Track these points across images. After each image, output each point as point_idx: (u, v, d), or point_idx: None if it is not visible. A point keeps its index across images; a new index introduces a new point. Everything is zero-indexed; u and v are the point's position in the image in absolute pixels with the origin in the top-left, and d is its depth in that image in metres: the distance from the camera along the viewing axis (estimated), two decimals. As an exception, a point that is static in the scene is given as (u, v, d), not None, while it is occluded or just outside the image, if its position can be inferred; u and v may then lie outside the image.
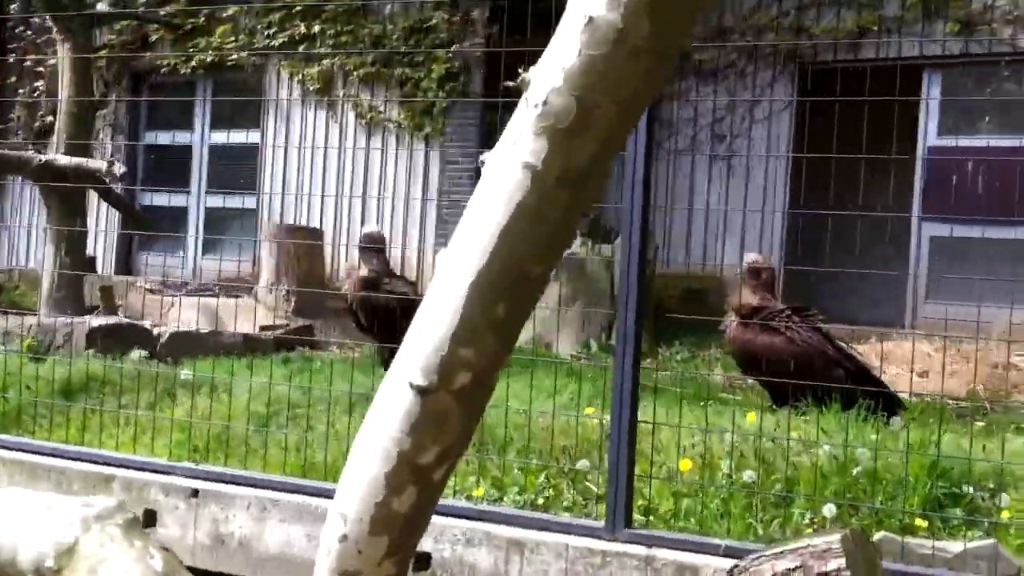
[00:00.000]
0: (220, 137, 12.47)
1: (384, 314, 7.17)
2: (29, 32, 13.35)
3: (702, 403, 5.57)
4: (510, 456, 5.20)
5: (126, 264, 13.04)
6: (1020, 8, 9.55)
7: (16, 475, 5.48)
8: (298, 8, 11.74)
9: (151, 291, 10.01)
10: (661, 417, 4.93)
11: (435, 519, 4.64)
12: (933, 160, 10.08)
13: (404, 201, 11.23)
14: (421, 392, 2.38)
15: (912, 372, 7.67)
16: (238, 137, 12.16)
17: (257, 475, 5.09)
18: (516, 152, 2.22)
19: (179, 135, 12.67)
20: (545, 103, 2.14)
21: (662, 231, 10.29)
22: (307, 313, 9.61)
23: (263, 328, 8.79)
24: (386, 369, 7.24)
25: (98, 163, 8.17)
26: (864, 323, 9.64)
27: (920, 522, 4.38)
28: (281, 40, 12.08)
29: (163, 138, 13.09)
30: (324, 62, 11.69)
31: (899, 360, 8.26)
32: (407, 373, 2.42)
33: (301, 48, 11.84)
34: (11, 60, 13.22)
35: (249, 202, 12.27)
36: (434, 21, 11.34)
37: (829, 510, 4.37)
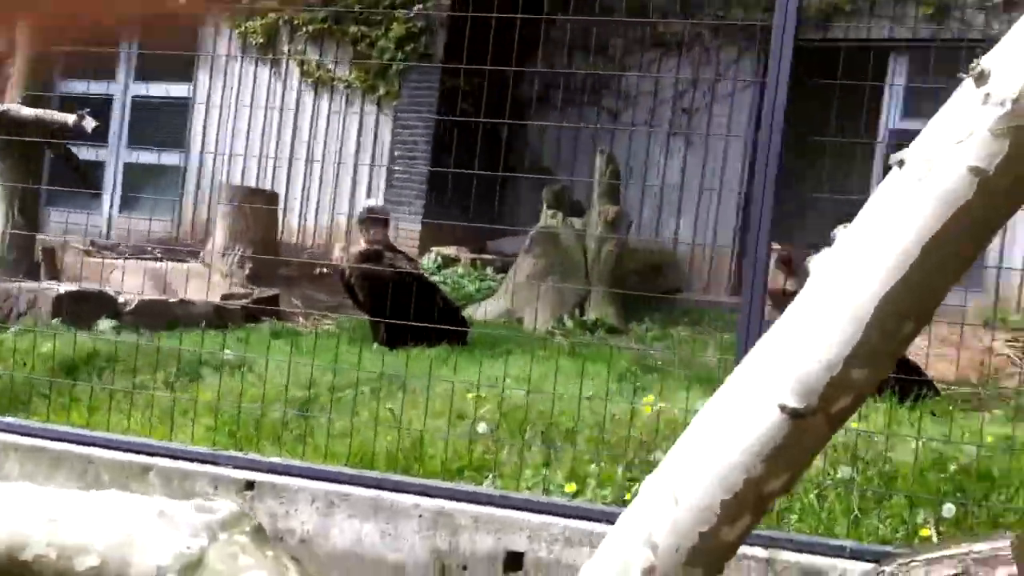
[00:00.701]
0: (152, 90, 11.76)
1: (384, 289, 6.81)
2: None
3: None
4: (578, 447, 4.96)
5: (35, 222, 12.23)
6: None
7: (29, 465, 4.98)
8: (240, -44, 11.15)
9: (88, 253, 9.38)
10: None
11: (528, 517, 4.40)
12: (895, 143, 10.15)
13: (352, 166, 10.80)
14: (794, 415, 2.13)
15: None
16: (174, 91, 11.49)
17: (323, 467, 4.73)
18: (959, 154, 1.96)
19: (98, 86, 11.90)
20: (1016, 101, 1.89)
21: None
22: (262, 280, 9.15)
23: (225, 296, 8.31)
24: (380, 344, 6.94)
25: (65, 116, 7.54)
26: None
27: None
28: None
29: (83, 88, 12.28)
30: (269, 15, 11.11)
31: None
32: (774, 394, 2.16)
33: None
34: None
35: (170, 159, 11.63)
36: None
37: (948, 510, 4.26)
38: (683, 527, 2.29)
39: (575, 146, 11.01)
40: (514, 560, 4.38)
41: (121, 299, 7.57)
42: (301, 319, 8.41)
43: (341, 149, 11.03)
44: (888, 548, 4.06)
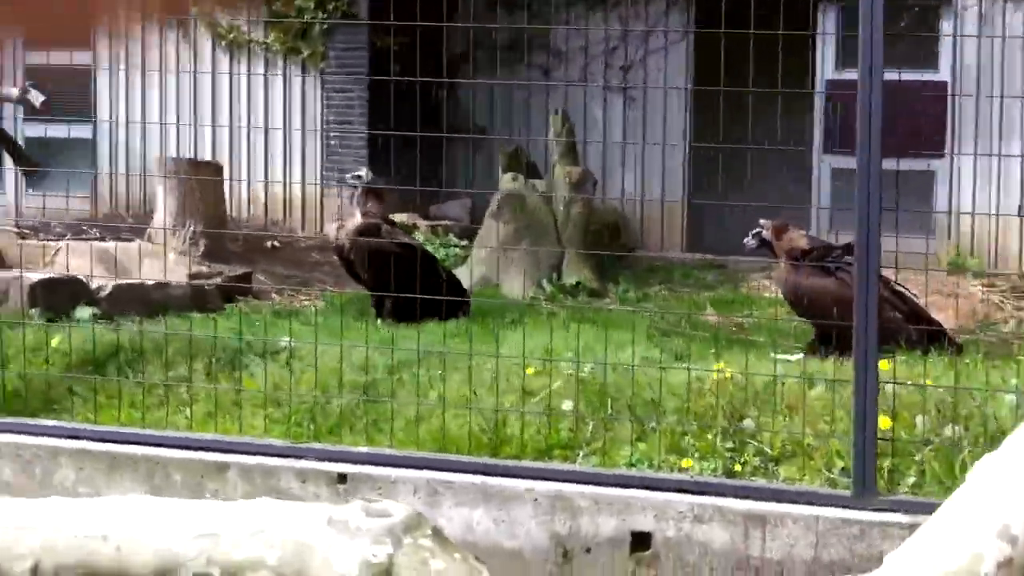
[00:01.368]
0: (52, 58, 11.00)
1: (388, 263, 6.53)
2: None
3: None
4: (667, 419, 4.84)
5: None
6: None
7: (85, 470, 4.59)
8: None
9: (22, 235, 8.78)
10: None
11: (651, 495, 4.28)
12: (830, 93, 10.31)
13: (284, 133, 10.37)
14: None
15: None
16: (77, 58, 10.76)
17: (424, 454, 4.49)
18: None
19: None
20: None
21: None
22: (216, 257, 8.71)
23: (193, 276, 7.86)
24: (388, 319, 6.67)
25: (7, 89, 6.95)
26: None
27: None
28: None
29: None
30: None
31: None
32: None
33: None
34: None
35: (81, 132, 10.95)
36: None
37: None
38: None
39: (510, 105, 10.81)
40: (641, 541, 4.25)
41: (94, 285, 7.08)
42: (275, 296, 8.04)
43: (267, 116, 10.56)
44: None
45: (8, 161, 11.06)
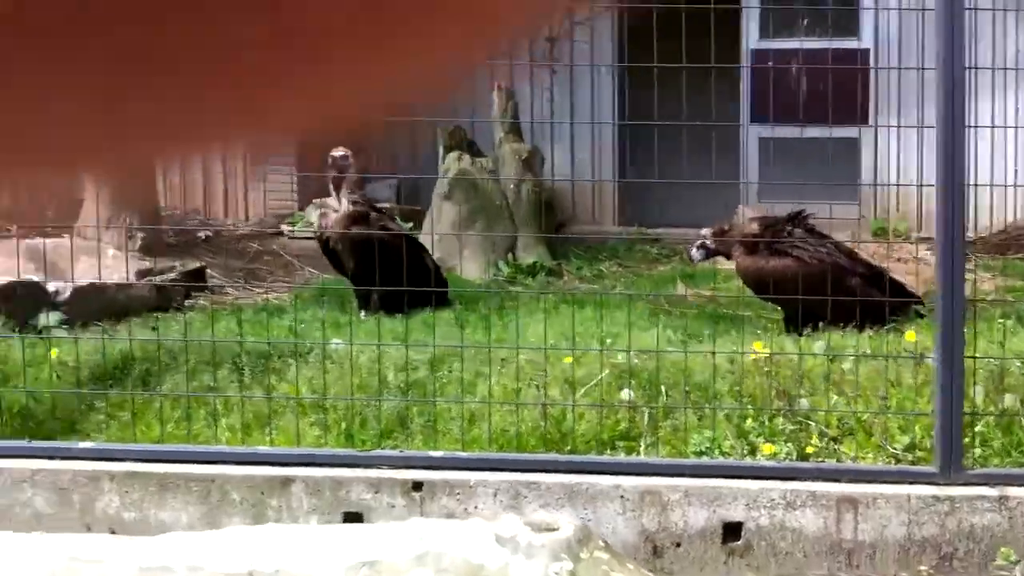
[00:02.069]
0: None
1: (376, 253, 6.29)
2: None
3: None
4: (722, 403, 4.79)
5: None
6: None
7: (131, 492, 4.28)
8: None
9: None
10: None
11: (743, 484, 4.23)
12: (756, 62, 10.40)
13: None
14: None
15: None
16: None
17: (503, 455, 4.33)
18: None
19: None
20: None
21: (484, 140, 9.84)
22: (154, 251, 8.27)
23: (143, 273, 7.45)
24: (366, 310, 6.44)
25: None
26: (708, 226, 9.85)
27: None
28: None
29: None
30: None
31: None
32: None
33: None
34: None
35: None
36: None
37: None
38: None
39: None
40: (732, 531, 4.20)
41: (51, 287, 6.63)
42: (230, 291, 7.69)
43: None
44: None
45: None
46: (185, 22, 0.38)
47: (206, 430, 4.60)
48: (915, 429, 4.60)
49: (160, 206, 8.91)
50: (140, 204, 8.29)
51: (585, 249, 9.31)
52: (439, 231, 8.39)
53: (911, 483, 4.20)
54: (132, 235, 8.19)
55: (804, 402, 4.77)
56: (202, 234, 9.04)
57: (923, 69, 9.62)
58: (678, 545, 4.20)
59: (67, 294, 6.62)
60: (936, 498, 4.15)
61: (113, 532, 4.05)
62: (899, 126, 9.89)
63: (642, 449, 4.58)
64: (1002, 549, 4.07)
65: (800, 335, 5.83)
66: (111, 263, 7.69)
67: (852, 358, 5.08)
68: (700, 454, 4.50)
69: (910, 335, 5.37)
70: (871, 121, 10.12)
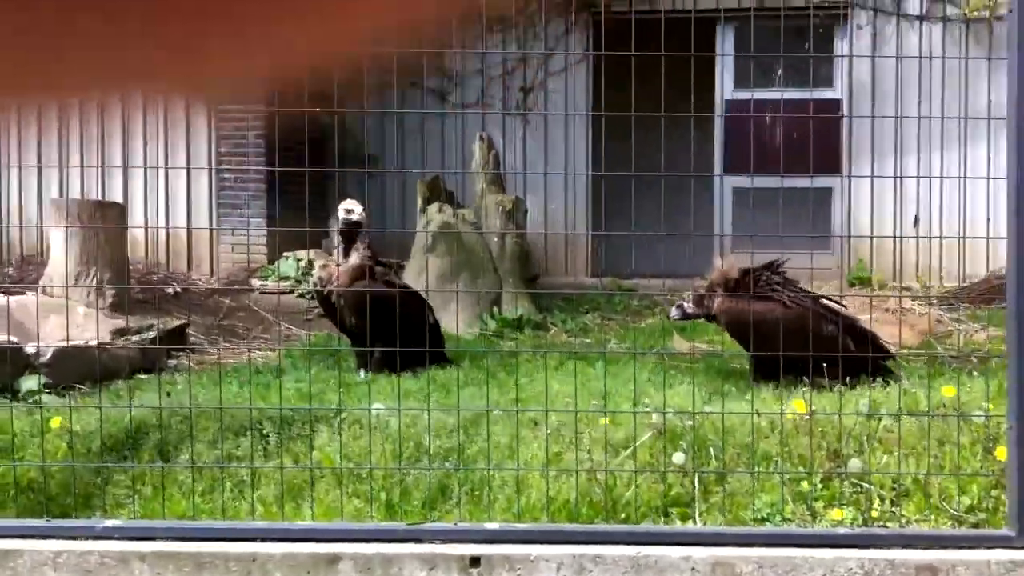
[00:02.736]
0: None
1: (382, 310, 6.02)
2: None
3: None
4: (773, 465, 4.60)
5: None
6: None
7: (167, 572, 3.94)
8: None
9: None
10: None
11: (815, 553, 4.04)
12: (730, 113, 10.36)
13: (163, 170, 9.57)
14: None
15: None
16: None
17: (563, 527, 4.08)
18: None
19: None
20: None
21: (461, 191, 9.66)
22: (123, 308, 7.89)
23: (118, 332, 7.06)
24: (366, 369, 6.16)
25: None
26: (682, 275, 9.74)
27: None
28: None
29: None
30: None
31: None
32: None
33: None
34: None
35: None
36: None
37: None
38: None
39: (402, 132, 10.38)
40: (808, 601, 4.00)
41: (30, 349, 6.25)
42: (210, 349, 7.35)
43: (146, 149, 9.74)
44: None
45: None
46: None
47: (237, 503, 4.28)
48: (973, 489, 4.47)
49: (129, 261, 8.53)
50: (110, 259, 7.92)
51: (566, 301, 9.13)
52: (422, 284, 8.14)
53: (988, 548, 4.03)
54: (102, 292, 7.81)
55: (856, 462, 4.60)
56: (171, 290, 8.68)
57: (900, 117, 9.73)
58: (752, 618, 3.98)
59: (47, 356, 6.24)
60: (1014, 563, 4.00)
61: (148, 619, 3.73)
62: (872, 176, 9.93)
63: (697, 515, 4.37)
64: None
65: (762, 382, 5.77)
66: (82, 321, 7.32)
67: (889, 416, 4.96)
68: (762, 520, 4.30)
69: (948, 390, 5.26)
70: (844, 170, 10.13)
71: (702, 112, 9.96)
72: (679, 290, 9.28)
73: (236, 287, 8.77)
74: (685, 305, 6.66)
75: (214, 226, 9.51)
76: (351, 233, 6.21)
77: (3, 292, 7.82)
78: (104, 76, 0.49)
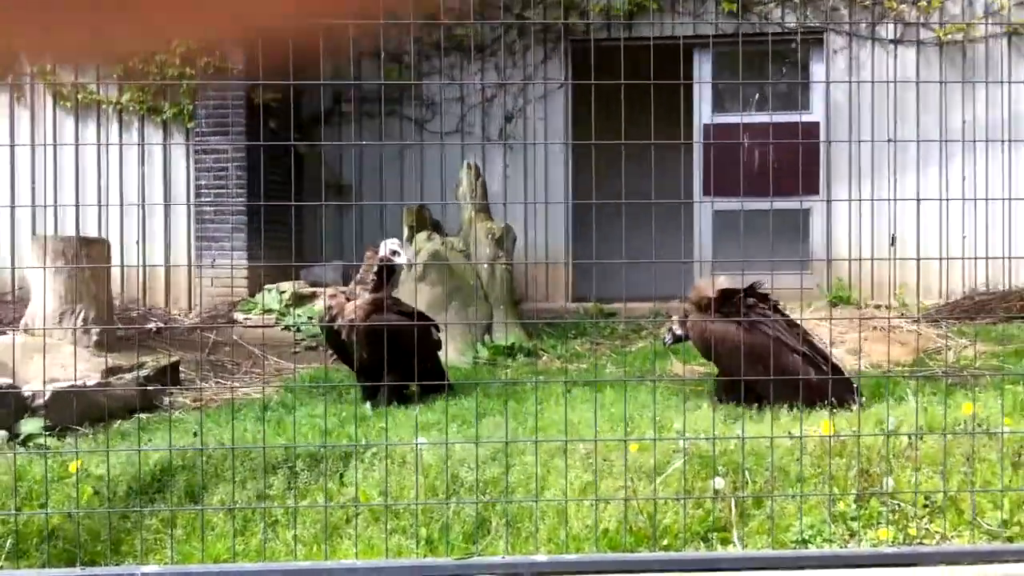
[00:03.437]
0: None
1: (396, 341, 5.94)
2: None
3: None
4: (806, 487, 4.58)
5: None
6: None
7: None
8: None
9: None
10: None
11: (865, 573, 4.01)
12: (709, 138, 10.41)
13: (140, 202, 9.42)
14: None
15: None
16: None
17: (616, 556, 4.03)
18: None
19: None
20: None
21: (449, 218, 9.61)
22: (112, 347, 7.74)
23: (110, 371, 6.92)
24: (373, 402, 6.06)
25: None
26: (665, 298, 9.75)
27: None
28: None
29: None
30: None
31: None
32: None
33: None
34: None
35: None
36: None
37: None
38: None
39: (380, 161, 10.33)
40: (861, 624, 3.97)
41: (26, 392, 6.09)
42: (202, 384, 7.21)
43: (122, 185, 9.59)
44: None
45: None
46: None
47: (273, 544, 4.18)
48: (1005, 504, 4.48)
49: (114, 298, 8.38)
50: (94, 297, 7.76)
51: (552, 327, 9.09)
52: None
53: (1033, 563, 4.04)
54: (87, 330, 7.65)
55: (890, 481, 4.60)
56: (152, 326, 8.52)
57: (876, 142, 9.84)
58: (807, 643, 3.95)
59: (46, 398, 6.08)
60: (1063, 578, 4.00)
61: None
62: (850, 200, 10.02)
63: (737, 540, 4.34)
64: None
65: (729, 403, 5.81)
66: (68, 361, 7.16)
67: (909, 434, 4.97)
68: (804, 543, 4.28)
69: (968, 407, 5.29)
70: (822, 193, 10.21)
71: (682, 138, 10.02)
72: (663, 312, 9.32)
73: (220, 321, 8.62)
74: (675, 328, 6.67)
75: (194, 261, 9.36)
76: (390, 273, 6.16)
77: (-12, 333, 7.64)
78: None
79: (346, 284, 10.11)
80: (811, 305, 9.46)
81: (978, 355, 7.88)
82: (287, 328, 8.51)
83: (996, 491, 4.46)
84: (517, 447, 4.79)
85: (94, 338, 7.69)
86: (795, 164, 10.07)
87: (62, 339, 7.70)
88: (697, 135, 10.34)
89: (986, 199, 9.30)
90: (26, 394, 6.10)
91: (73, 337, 7.67)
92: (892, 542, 4.27)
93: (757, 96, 10.34)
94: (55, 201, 8.99)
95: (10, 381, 6.07)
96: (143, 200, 9.28)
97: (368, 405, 6.23)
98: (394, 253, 6.11)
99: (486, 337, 8.26)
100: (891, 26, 10.21)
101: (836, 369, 6.13)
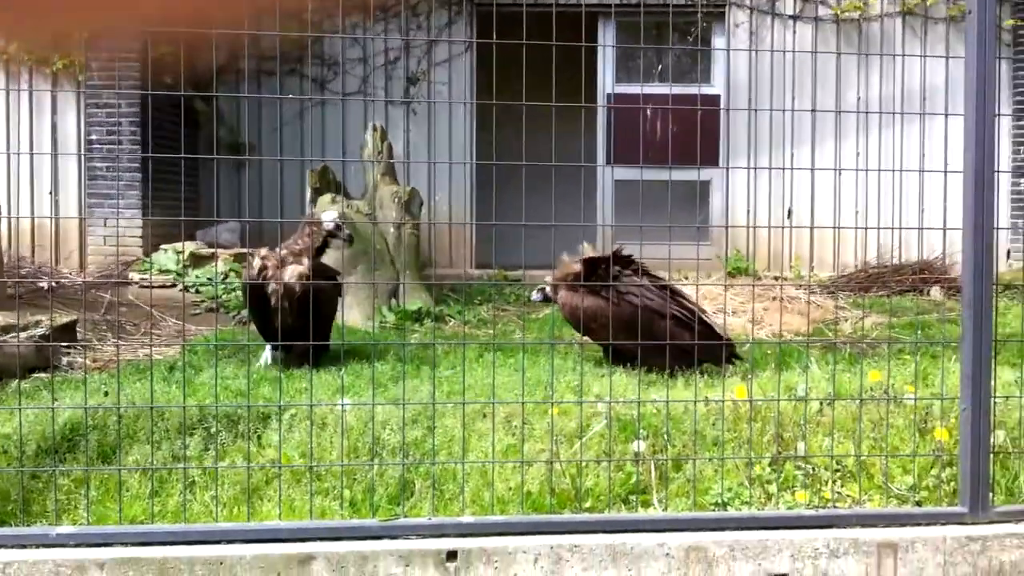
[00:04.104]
0: None
1: (317, 305, 5.83)
2: None
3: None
4: (725, 452, 4.65)
5: None
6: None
7: (125, 580, 3.74)
8: None
9: None
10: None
11: (784, 535, 4.11)
12: (612, 107, 10.45)
13: (29, 156, 9.09)
14: None
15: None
16: None
17: (541, 517, 4.03)
18: None
19: None
20: None
21: (358, 182, 9.50)
22: (3, 305, 7.46)
23: (3, 329, 6.67)
24: (288, 364, 5.96)
25: None
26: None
27: None
28: None
29: None
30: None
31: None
32: None
33: None
34: None
35: None
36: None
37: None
38: None
39: (280, 120, 10.13)
40: (777, 583, 4.06)
41: (-86, 347, 5.83)
42: (98, 344, 7.00)
43: (8, 135, 9.23)
44: None
45: None
46: None
47: (191, 505, 4.09)
48: (913, 468, 4.61)
49: (3, 254, 8.06)
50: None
51: (457, 292, 9.06)
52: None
53: (943, 524, 4.17)
54: (-27, 286, 7.37)
55: (801, 446, 4.70)
56: (44, 284, 8.24)
57: (773, 111, 9.99)
58: (724, 602, 4.02)
59: (-70, 350, 5.83)
60: (969, 538, 4.14)
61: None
62: (748, 168, 10.17)
63: (657, 503, 4.39)
64: (1031, 585, 4.11)
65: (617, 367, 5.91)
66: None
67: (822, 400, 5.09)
68: (723, 505, 4.34)
69: (875, 374, 5.43)
70: (722, 163, 10.35)
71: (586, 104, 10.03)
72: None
73: (116, 280, 8.38)
74: (547, 290, 6.67)
75: (84, 215, 9.07)
76: (325, 245, 6.08)
77: None
78: None
79: (243, 246, 9.95)
80: (710, 276, 9.62)
81: (874, 326, 8.10)
82: (186, 289, 8.30)
83: (907, 456, 4.58)
84: (437, 410, 4.75)
85: (-22, 295, 7.41)
86: (696, 136, 10.18)
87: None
88: (601, 103, 10.38)
89: (878, 170, 9.52)
90: (-86, 350, 5.85)
91: (-39, 294, 7.38)
92: (808, 505, 4.36)
93: (660, 67, 10.42)
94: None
95: (-101, 337, 5.81)
96: (32, 149, 8.95)
97: (263, 362, 6.13)
98: (338, 228, 6.04)
99: (392, 301, 8.18)
100: (791, 1, 10.37)
101: (709, 329, 6.21)
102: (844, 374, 5.79)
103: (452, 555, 3.89)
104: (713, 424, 4.83)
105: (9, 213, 9.02)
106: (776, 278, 9.68)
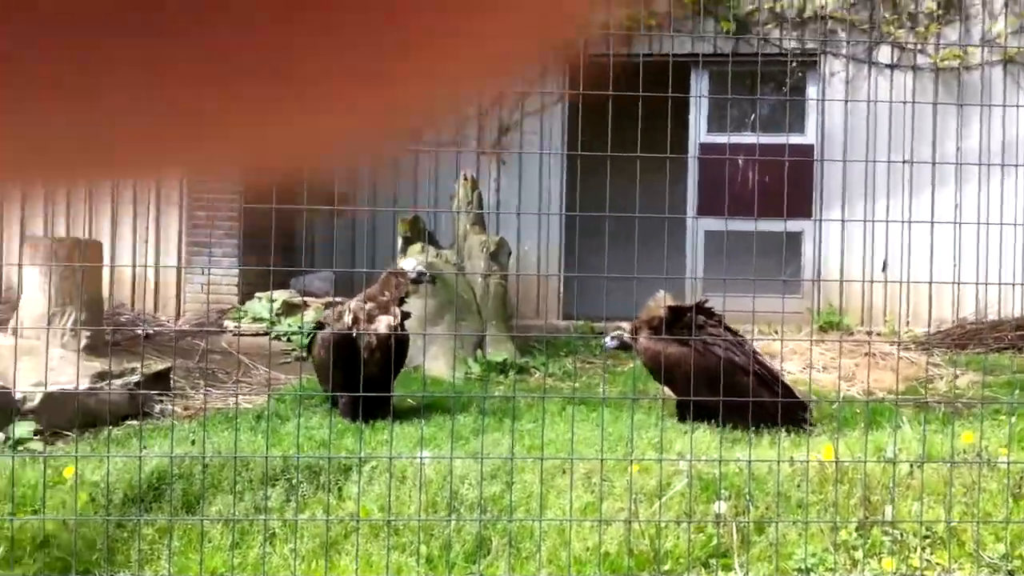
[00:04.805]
0: None
1: (399, 357, 5.90)
2: None
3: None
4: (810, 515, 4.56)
5: None
6: (786, 10, 10.14)
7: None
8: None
9: None
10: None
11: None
12: (704, 157, 10.41)
13: (131, 206, 9.33)
14: None
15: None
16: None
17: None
18: None
19: None
20: None
21: (448, 231, 9.58)
22: (101, 352, 7.65)
23: (99, 376, 6.83)
24: (352, 417, 5.98)
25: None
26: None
27: None
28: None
29: None
30: None
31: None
32: None
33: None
34: None
35: None
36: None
37: None
38: None
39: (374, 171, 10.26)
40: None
41: (17, 394, 6.00)
42: (191, 392, 7.14)
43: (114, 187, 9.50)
44: None
45: None
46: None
47: (270, 558, 4.12)
48: (1005, 536, 4.46)
49: (104, 301, 8.30)
50: (86, 300, 7.67)
51: (542, 344, 9.05)
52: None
53: (1038, 597, 4.03)
54: (76, 334, 7.56)
55: (889, 510, 4.58)
56: (142, 331, 8.43)
57: (869, 162, 9.86)
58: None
59: (36, 401, 6.00)
60: (1067, 612, 3.99)
61: None
62: (843, 220, 10.03)
63: (738, 566, 4.31)
64: None
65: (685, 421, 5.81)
66: (57, 365, 7.07)
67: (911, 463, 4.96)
68: (806, 571, 4.25)
69: (967, 436, 5.28)
70: (814, 215, 10.22)
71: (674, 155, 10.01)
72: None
73: (209, 328, 8.55)
74: (624, 335, 6.62)
75: (182, 264, 9.29)
76: (408, 293, 6.18)
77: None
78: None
79: (337, 294, 10.09)
80: (801, 330, 9.47)
81: (969, 385, 7.90)
82: (277, 337, 8.43)
83: (999, 523, 4.44)
84: (515, 465, 4.74)
85: (84, 342, 7.60)
86: (789, 187, 10.07)
87: (50, 342, 7.61)
88: (692, 153, 10.36)
89: (976, 223, 9.31)
90: (16, 397, 6.02)
91: (60, 340, 7.59)
92: (895, 573, 4.24)
93: (753, 116, 10.35)
94: (45, 201, 8.90)
95: (1, 383, 5.99)
96: (135, 199, 9.20)
97: (347, 419, 6.17)
98: (420, 275, 6.12)
99: (478, 352, 8.21)
100: (887, 50, 10.25)
101: (787, 389, 6.12)
102: (936, 435, 5.65)
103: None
104: (798, 486, 4.74)
105: (113, 261, 9.27)
106: (868, 333, 9.49)
